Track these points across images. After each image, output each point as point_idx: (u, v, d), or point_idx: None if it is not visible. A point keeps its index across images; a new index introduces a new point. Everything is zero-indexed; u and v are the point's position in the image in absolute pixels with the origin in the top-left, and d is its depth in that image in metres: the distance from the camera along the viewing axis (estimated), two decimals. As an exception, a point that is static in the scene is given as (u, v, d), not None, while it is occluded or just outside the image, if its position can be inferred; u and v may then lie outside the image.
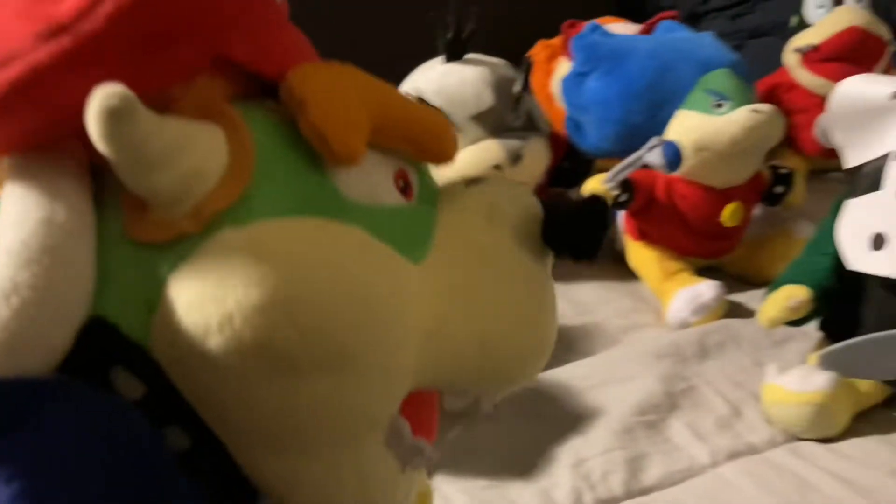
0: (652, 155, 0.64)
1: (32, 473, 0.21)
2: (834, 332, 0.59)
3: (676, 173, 0.71)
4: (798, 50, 0.91)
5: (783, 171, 0.79)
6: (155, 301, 0.24)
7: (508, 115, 0.78)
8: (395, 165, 0.28)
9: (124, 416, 0.23)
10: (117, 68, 0.23)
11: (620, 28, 0.91)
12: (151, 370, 0.24)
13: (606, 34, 0.77)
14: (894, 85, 0.52)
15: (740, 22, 1.16)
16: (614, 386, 0.62)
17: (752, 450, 0.55)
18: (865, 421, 0.57)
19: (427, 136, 0.28)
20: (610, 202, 0.71)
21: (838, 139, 0.56)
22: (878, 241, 0.51)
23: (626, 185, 0.71)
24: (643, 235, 0.77)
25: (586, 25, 0.80)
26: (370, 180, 0.27)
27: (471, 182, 0.30)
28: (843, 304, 0.57)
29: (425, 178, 0.30)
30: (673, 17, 0.85)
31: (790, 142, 0.98)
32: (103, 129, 0.21)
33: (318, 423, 0.26)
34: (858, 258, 0.52)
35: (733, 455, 0.55)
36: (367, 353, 0.25)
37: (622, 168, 0.67)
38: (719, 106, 0.70)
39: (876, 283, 0.54)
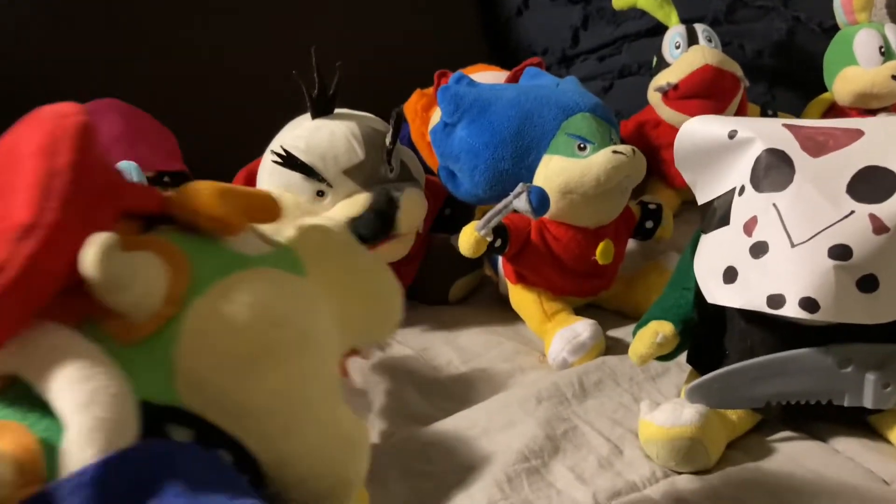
0: (519, 201, 0.65)
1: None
2: (701, 364, 0.60)
3: (546, 216, 0.72)
4: (658, 89, 0.95)
5: (652, 206, 0.82)
6: (171, 370, 0.32)
7: (381, 168, 0.78)
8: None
9: (207, 453, 0.32)
10: (74, 236, 0.31)
11: (489, 76, 0.92)
12: (189, 417, 0.32)
13: (471, 84, 0.77)
14: (730, 125, 0.54)
15: (609, 63, 1.19)
16: (498, 433, 0.62)
17: (633, 488, 0.56)
18: (739, 449, 0.58)
19: (264, 209, 0.39)
20: (485, 248, 0.71)
21: (688, 178, 0.58)
22: (730, 275, 0.52)
23: (500, 231, 0.72)
24: (521, 278, 0.78)
25: (452, 76, 0.80)
26: (249, 240, 0.38)
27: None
28: (708, 336, 0.58)
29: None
30: (538, 64, 0.87)
31: (661, 175, 1.01)
32: (99, 261, 0.30)
33: (304, 398, 0.35)
34: (714, 292, 0.53)
35: (614, 495, 0.55)
36: (316, 332, 0.35)
37: (492, 215, 0.68)
38: (583, 149, 0.71)
39: (736, 314, 0.56)
